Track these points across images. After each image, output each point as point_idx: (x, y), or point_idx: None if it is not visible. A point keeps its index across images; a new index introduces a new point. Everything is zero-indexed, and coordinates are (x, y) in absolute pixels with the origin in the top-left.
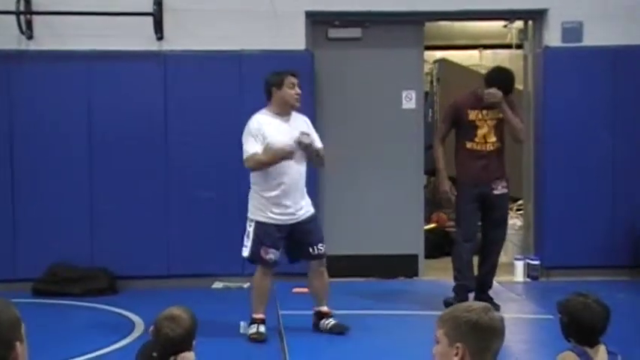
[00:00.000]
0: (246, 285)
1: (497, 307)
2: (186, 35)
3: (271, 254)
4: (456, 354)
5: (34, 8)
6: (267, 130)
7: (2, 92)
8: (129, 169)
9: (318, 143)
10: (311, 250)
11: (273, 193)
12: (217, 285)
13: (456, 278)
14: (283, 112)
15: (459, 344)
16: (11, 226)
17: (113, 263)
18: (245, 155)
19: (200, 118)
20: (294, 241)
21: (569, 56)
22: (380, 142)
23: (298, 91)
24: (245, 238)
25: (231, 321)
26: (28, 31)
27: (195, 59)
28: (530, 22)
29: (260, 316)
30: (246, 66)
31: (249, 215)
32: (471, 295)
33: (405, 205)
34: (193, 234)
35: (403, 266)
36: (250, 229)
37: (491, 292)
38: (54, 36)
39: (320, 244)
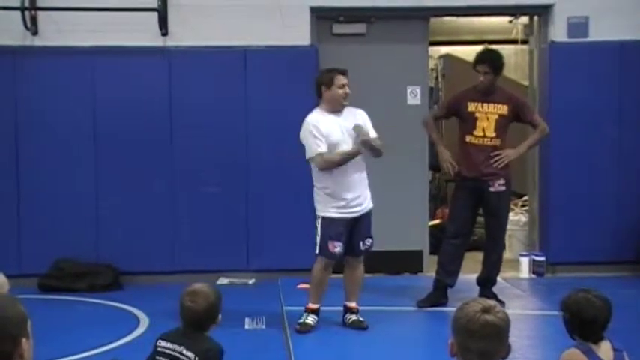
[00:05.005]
0: (250, 281)
1: (501, 304)
2: (190, 31)
3: (338, 247)
4: (451, 349)
5: (39, 4)
6: (324, 127)
7: (7, 88)
8: (134, 164)
9: (372, 133)
10: (361, 244)
11: (334, 189)
12: (222, 280)
13: (436, 272)
14: (334, 109)
15: (451, 340)
16: (17, 222)
17: (118, 259)
18: (309, 155)
19: (205, 113)
20: (350, 234)
21: (574, 51)
22: (384, 138)
23: (347, 90)
24: (316, 237)
25: (237, 316)
26: (32, 27)
27: (200, 55)
28: (535, 18)
29: (311, 305)
30: (250, 62)
31: (317, 213)
32: (473, 294)
33: (410, 201)
34: (198, 229)
35: (408, 262)
36: (318, 225)
37: (496, 289)
38: (59, 32)
39: (368, 239)
